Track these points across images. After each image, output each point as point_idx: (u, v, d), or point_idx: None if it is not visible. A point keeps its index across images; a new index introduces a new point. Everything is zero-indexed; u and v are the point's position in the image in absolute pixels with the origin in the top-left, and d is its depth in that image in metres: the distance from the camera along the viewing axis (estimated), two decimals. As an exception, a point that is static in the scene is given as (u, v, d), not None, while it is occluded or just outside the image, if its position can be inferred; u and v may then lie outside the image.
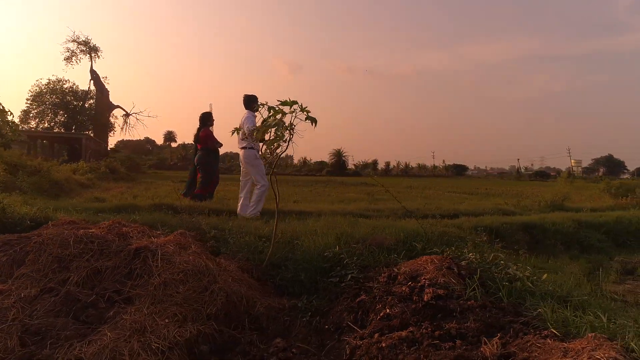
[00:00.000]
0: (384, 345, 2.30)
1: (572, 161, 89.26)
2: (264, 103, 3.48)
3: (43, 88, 42.06)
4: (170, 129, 75.55)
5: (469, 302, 2.53)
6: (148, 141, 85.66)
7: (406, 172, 70.24)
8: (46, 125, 41.98)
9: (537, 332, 2.25)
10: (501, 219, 7.23)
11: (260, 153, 6.80)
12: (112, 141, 66.99)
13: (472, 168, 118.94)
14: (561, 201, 9.67)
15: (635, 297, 5.09)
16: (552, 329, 2.22)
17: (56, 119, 42.36)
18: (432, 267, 2.95)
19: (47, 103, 41.86)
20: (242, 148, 7.05)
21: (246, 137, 6.80)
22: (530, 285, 2.97)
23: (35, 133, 36.11)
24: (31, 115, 41.70)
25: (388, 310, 2.64)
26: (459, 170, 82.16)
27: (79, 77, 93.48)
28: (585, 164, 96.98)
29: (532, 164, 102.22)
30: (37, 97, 41.69)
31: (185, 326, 2.73)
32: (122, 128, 44.91)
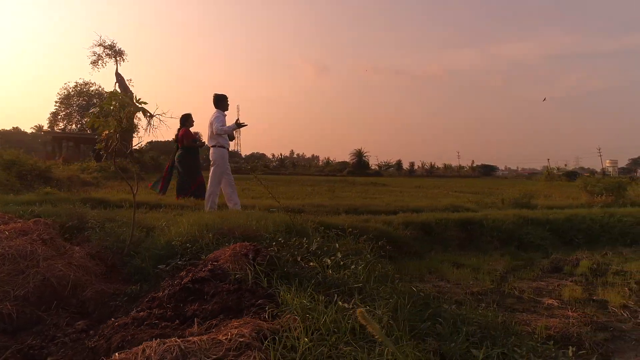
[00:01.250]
0: (117, 324, 2.38)
1: (607, 161, 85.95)
2: (110, 92, 3.59)
3: (71, 91, 43.80)
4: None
5: (224, 286, 2.57)
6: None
7: (431, 172, 69.32)
8: (73, 126, 43.68)
9: (261, 314, 2.28)
10: (438, 215, 7.13)
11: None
12: (143, 141, 68.86)
13: (503, 168, 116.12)
14: (528, 199, 9.39)
15: (537, 293, 4.96)
16: (267, 312, 2.25)
17: (83, 121, 43.98)
18: (229, 254, 3.00)
19: (74, 105, 43.55)
20: (212, 146, 7.43)
21: (215, 136, 7.37)
22: (332, 274, 2.97)
23: (59, 134, 37.65)
24: (59, 117, 43.51)
25: (160, 294, 2.72)
26: (486, 170, 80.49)
27: (104, 80, 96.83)
28: (622, 164, 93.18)
29: (565, 164, 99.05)
30: (65, 100, 43.45)
31: (-20, 306, 2.88)
32: (145, 129, 46.22)
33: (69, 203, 5.99)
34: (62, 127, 43.44)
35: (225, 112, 7.60)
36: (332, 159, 69.28)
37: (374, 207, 7.98)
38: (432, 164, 74.80)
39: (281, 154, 74.35)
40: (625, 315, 4.30)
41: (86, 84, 44.61)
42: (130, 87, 45.18)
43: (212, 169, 7.47)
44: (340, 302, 2.42)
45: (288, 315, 2.09)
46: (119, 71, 44.15)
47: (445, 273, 5.47)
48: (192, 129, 9.64)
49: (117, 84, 45.08)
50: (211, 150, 7.52)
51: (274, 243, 3.35)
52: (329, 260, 3.14)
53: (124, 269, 3.86)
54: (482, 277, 5.42)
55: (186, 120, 9.42)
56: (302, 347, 1.67)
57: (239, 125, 7.51)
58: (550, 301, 4.71)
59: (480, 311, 3.52)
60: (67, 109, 43.42)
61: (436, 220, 6.89)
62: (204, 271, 2.78)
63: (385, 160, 68.67)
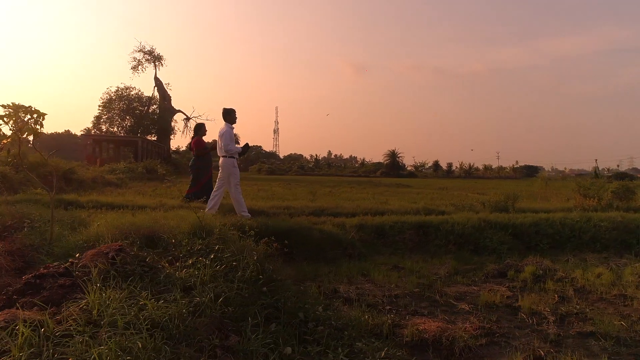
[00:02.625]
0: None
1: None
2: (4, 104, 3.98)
3: (112, 95, 45.96)
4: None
5: (60, 281, 2.85)
6: (215, 144, 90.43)
7: (469, 173, 67.79)
8: (115, 129, 45.84)
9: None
10: (394, 218, 7.17)
11: None
12: (182, 144, 71.49)
13: (550, 169, 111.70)
14: (512, 202, 9.19)
15: (459, 297, 4.98)
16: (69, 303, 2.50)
17: (123, 124, 46.09)
18: (93, 253, 3.28)
19: (115, 109, 45.69)
20: (222, 156, 7.91)
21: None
22: (177, 273, 3.21)
23: (99, 137, 39.71)
24: (102, 120, 45.77)
25: (13, 288, 3.03)
26: (530, 171, 77.79)
27: (144, 84, 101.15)
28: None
29: (618, 165, 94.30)
30: (107, 104, 45.63)
31: None
32: (182, 132, 48.00)
33: (30, 204, 6.50)
34: (105, 129, 45.66)
35: (233, 125, 8.06)
36: (368, 160, 69.22)
37: (341, 209, 8.10)
38: (471, 164, 73.05)
39: (316, 155, 74.94)
40: (530, 321, 4.27)
41: (127, 88, 46.72)
42: (168, 90, 47.05)
43: (220, 175, 7.92)
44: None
45: (71, 307, 2.34)
46: (158, 75, 46.08)
47: (376, 276, 5.55)
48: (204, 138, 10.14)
49: (155, 88, 47.03)
50: (221, 159, 7.99)
51: (133, 245, 3.62)
52: (190, 261, 3.38)
53: (39, 266, 4.22)
54: (414, 280, 5.46)
55: (199, 129, 10.08)
56: (24, 334, 1.93)
57: (245, 148, 8.07)
58: (463, 306, 4.72)
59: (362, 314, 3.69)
60: (109, 112, 45.60)
61: (391, 223, 6.95)
62: (60, 267, 3.07)
63: (421, 161, 67.68)
